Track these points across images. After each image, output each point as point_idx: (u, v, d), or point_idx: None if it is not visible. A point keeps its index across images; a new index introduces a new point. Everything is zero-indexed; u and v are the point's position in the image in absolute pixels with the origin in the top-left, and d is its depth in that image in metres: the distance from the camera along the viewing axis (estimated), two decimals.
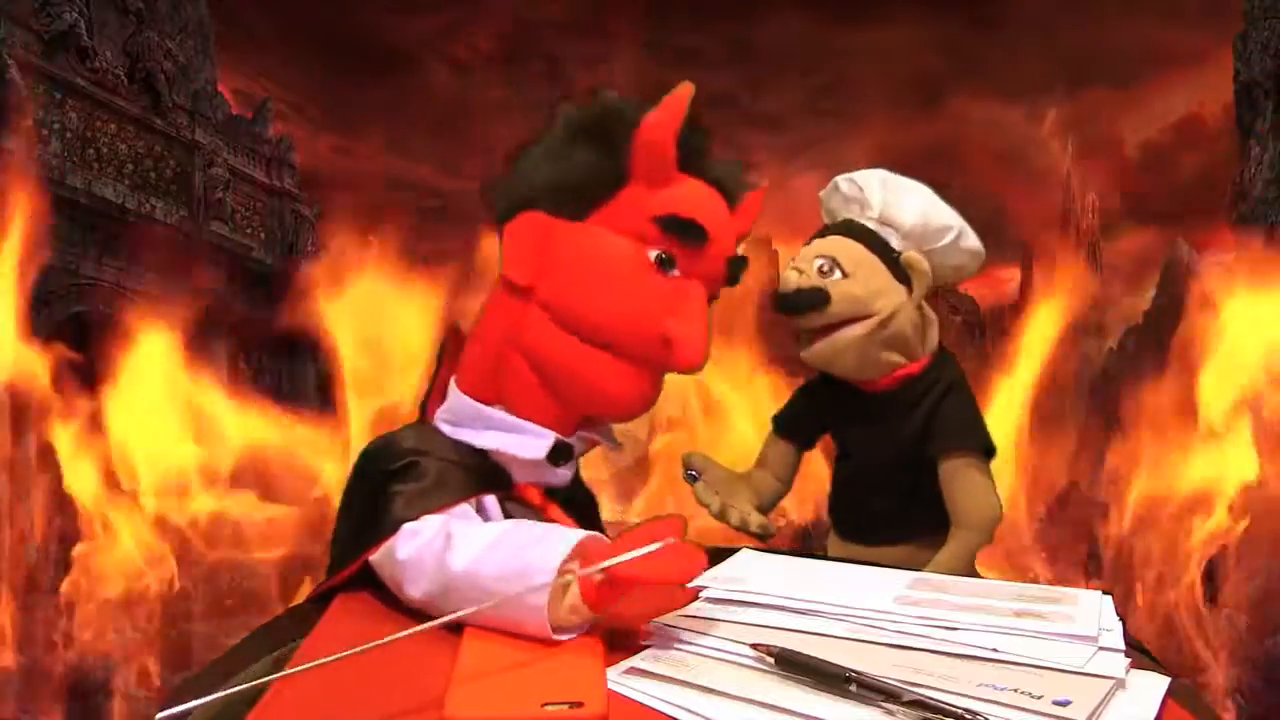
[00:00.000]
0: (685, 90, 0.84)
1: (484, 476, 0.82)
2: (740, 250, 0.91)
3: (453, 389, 0.87)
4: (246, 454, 8.16)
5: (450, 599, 0.69)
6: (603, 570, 0.63)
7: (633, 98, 0.86)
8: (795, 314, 1.10)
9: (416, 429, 0.86)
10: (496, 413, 0.85)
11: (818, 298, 1.07)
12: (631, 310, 0.82)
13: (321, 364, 9.32)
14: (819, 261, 1.09)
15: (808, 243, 1.16)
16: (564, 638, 0.65)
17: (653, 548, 0.62)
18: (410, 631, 0.60)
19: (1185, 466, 7.72)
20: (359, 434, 7.98)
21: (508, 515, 0.82)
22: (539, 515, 0.84)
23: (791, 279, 1.10)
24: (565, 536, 0.68)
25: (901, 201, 1.13)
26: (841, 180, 1.19)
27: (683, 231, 0.83)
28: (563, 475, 0.88)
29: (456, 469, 0.80)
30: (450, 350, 0.90)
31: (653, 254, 0.82)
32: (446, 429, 0.86)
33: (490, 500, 0.82)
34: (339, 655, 0.56)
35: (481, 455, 0.83)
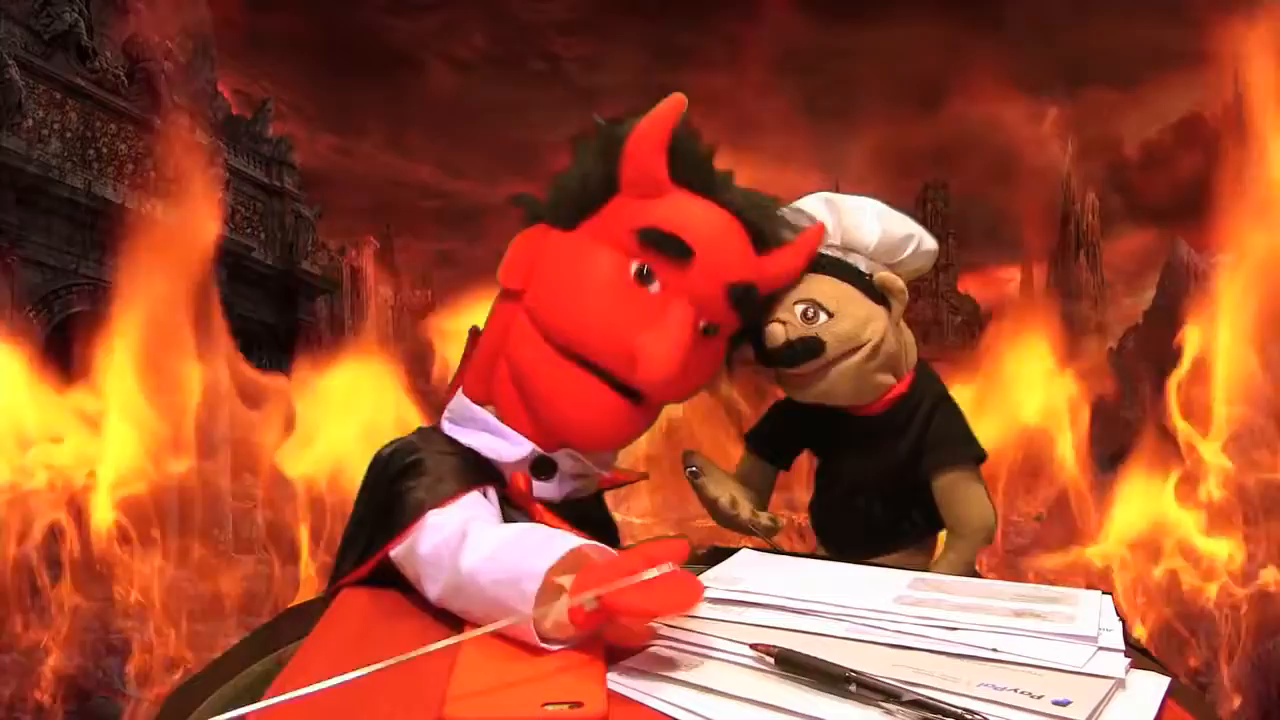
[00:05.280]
0: (677, 100, 0.81)
1: (481, 471, 0.82)
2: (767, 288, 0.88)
3: (459, 388, 0.88)
4: None
5: (457, 599, 0.69)
6: (595, 597, 0.58)
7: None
8: (792, 367, 1.08)
9: (419, 433, 0.86)
10: (484, 414, 0.85)
11: (813, 347, 1.05)
12: (603, 320, 0.81)
13: None
14: (800, 307, 1.07)
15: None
16: (554, 648, 0.62)
17: (650, 574, 0.58)
18: (408, 656, 0.56)
19: None
20: None
21: (505, 513, 0.82)
22: (527, 512, 0.83)
23: (778, 332, 1.07)
24: (562, 544, 0.64)
25: (860, 224, 1.11)
26: (785, 211, 1.17)
27: (661, 245, 0.80)
28: (550, 490, 0.86)
29: (456, 462, 0.81)
30: (468, 353, 0.91)
31: (634, 266, 0.81)
32: (447, 426, 0.87)
33: (492, 494, 0.82)
34: (319, 686, 0.56)
35: (474, 452, 0.84)
